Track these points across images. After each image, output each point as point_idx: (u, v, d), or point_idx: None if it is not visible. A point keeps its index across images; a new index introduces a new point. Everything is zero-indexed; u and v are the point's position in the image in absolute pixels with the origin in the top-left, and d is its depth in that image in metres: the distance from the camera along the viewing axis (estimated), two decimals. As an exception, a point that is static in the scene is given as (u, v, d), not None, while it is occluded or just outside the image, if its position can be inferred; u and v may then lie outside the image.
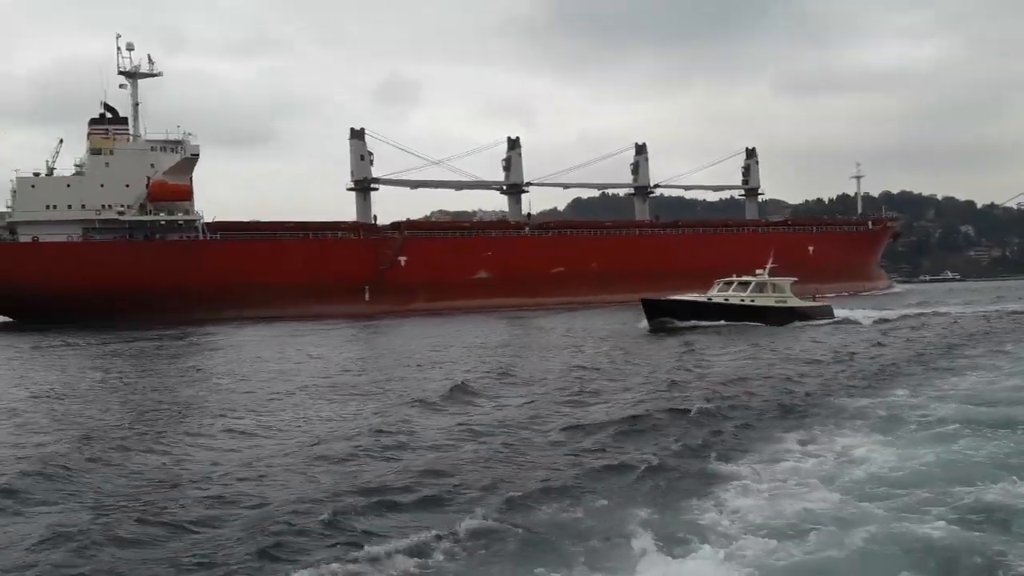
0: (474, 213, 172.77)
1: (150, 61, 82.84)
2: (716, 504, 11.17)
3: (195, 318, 68.63)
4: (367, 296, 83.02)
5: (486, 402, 20.29)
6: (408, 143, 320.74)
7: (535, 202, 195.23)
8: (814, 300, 53.15)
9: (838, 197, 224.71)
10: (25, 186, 75.91)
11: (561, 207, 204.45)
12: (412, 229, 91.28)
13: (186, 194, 78.30)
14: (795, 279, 51.77)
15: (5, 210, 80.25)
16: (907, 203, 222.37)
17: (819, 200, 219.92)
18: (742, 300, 47.32)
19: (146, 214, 77.02)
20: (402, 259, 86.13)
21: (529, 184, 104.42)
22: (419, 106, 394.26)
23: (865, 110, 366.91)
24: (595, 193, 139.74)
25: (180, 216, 77.92)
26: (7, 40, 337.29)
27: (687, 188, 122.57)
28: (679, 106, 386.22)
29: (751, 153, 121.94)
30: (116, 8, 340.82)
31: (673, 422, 16.73)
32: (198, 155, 79.27)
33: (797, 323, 46.30)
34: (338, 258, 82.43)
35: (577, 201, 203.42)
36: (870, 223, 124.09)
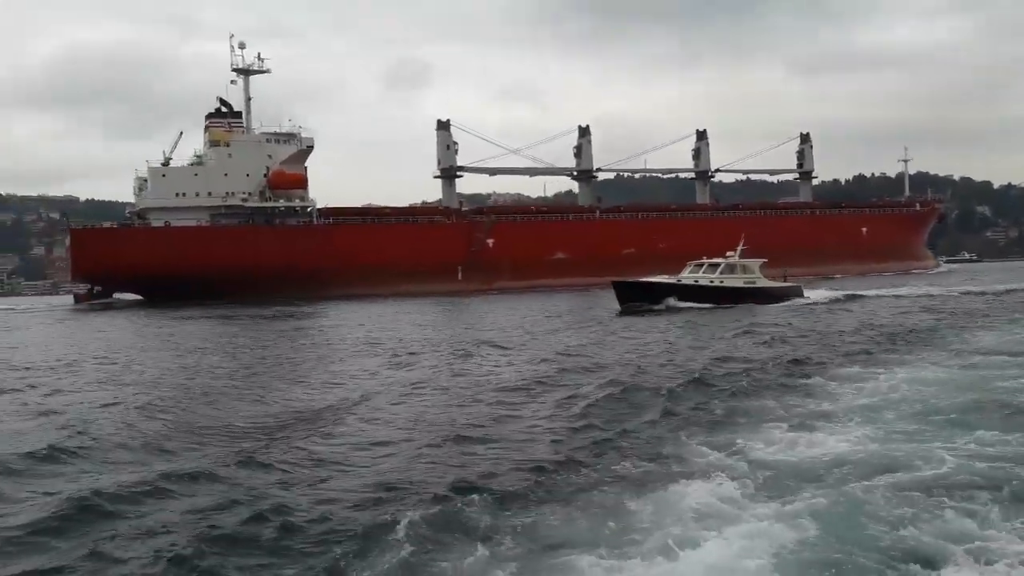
0: (488, 196, 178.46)
1: (259, 59, 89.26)
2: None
3: (312, 296, 75.02)
4: (460, 275, 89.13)
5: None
6: (421, 125, 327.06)
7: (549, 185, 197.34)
8: (784, 281, 52.56)
9: (854, 178, 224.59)
10: (156, 175, 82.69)
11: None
12: (495, 213, 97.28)
13: (302, 182, 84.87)
14: (764, 260, 51.22)
15: (133, 200, 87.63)
16: (922, 184, 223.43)
17: (835, 181, 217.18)
18: (711, 281, 47.65)
19: (266, 201, 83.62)
20: (490, 241, 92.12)
21: (599, 170, 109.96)
22: (431, 89, 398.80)
23: (879, 90, 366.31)
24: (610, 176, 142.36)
25: (297, 203, 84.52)
26: (22, 27, 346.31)
27: (745, 172, 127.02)
28: (691, 87, 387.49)
29: (805, 138, 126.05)
30: None
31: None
32: (312, 146, 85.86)
33: (766, 303, 45.96)
34: (435, 241, 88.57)
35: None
36: (918, 205, 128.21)
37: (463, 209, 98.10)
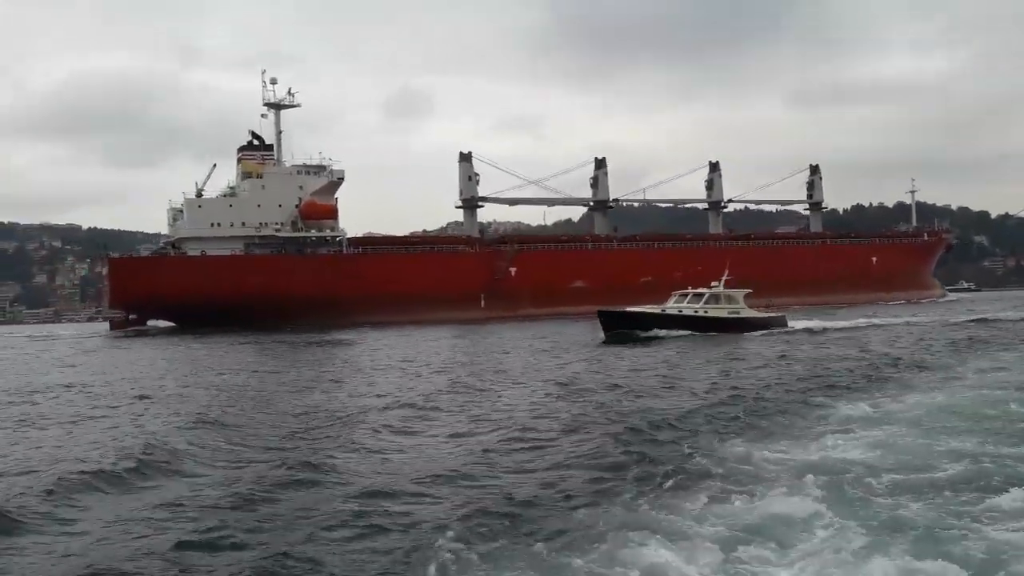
0: (489, 224, 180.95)
1: (290, 93, 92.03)
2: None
3: (342, 323, 77.02)
4: (483, 303, 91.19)
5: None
6: (420, 154, 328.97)
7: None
8: (768, 311, 52.96)
9: (852, 207, 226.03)
10: (193, 206, 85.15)
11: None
12: (517, 243, 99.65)
13: (332, 213, 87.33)
14: (749, 291, 51.72)
15: (166, 231, 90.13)
16: (921, 213, 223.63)
17: (833, 211, 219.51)
18: (695, 311, 47.66)
19: (298, 231, 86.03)
20: (512, 270, 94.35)
21: (616, 200, 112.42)
22: (431, 119, 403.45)
23: (877, 121, 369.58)
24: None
25: (328, 232, 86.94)
26: (24, 55, 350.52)
27: (756, 203, 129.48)
28: (690, 118, 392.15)
29: (815, 170, 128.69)
30: (131, 25, 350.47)
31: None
32: (343, 178, 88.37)
33: (749, 332, 46.27)
34: (460, 269, 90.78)
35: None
36: (926, 235, 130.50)
37: (485, 238, 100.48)
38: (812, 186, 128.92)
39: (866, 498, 10.82)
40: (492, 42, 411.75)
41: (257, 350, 46.59)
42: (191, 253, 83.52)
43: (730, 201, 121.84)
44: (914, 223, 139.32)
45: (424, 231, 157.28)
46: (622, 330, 45.94)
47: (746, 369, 27.97)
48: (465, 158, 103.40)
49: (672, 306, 48.68)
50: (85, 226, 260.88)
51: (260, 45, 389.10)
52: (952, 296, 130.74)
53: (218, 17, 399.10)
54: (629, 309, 48.44)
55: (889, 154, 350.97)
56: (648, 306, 48.93)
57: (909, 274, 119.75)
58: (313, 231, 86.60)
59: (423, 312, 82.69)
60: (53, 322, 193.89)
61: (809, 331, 48.05)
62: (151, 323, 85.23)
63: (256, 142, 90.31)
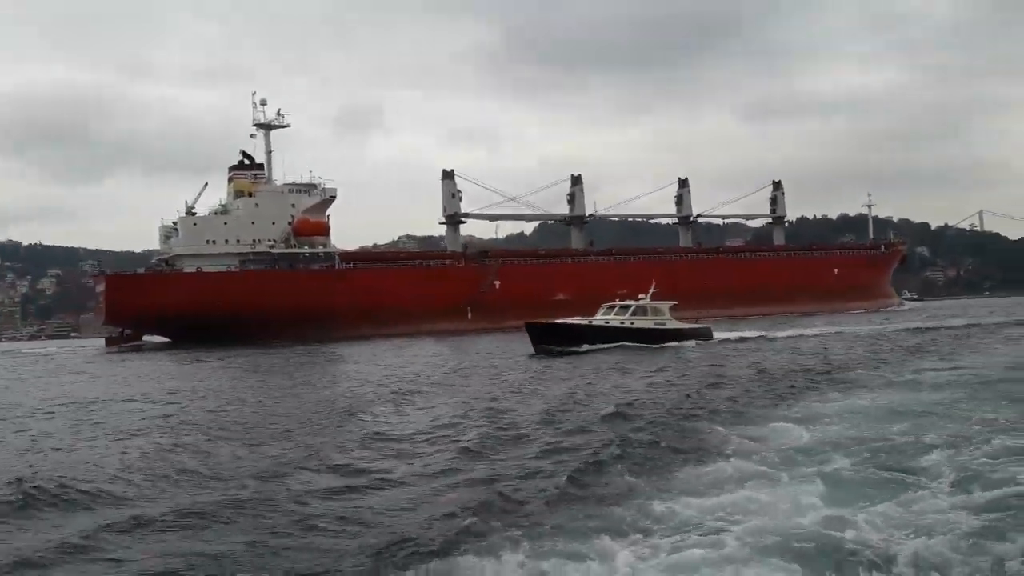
0: (442, 238, 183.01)
1: (279, 114, 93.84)
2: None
3: (334, 336, 78.87)
4: (469, 315, 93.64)
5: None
6: (373, 168, 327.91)
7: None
8: (696, 323, 54.11)
9: (798, 220, 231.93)
10: (188, 224, 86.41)
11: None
12: (500, 257, 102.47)
13: (324, 229, 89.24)
14: (674, 302, 52.49)
15: (159, 247, 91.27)
16: (865, 225, 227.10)
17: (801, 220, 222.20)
18: (621, 323, 48.15)
19: (291, 247, 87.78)
20: (496, 283, 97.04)
21: (592, 216, 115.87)
22: (381, 133, 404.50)
23: (823, 134, 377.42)
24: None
25: (320, 248, 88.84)
26: None
27: (724, 218, 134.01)
28: (639, 132, 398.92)
29: (778, 185, 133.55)
30: (76, 37, 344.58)
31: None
32: (335, 196, 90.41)
33: (673, 343, 47.17)
34: (447, 283, 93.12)
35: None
36: (883, 247, 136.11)
37: (468, 253, 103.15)
38: (775, 201, 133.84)
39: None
40: (443, 58, 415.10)
41: (280, 363, 48.49)
42: (187, 270, 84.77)
43: (699, 216, 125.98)
44: (871, 235, 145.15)
45: (375, 245, 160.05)
46: (549, 343, 45.95)
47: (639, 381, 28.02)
48: (448, 176, 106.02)
49: (599, 318, 49.27)
50: (25, 242, 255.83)
51: (210, 59, 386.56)
52: (908, 305, 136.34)
53: (167, 31, 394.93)
54: (556, 321, 48.98)
55: (834, 166, 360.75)
56: (576, 318, 49.47)
57: (868, 284, 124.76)
58: (306, 247, 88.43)
59: (413, 324, 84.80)
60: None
61: (729, 341, 49.62)
62: (146, 339, 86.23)
63: (247, 161, 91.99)
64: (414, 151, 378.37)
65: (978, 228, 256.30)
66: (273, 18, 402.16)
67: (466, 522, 10.49)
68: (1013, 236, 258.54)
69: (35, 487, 13.07)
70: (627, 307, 49.20)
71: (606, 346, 45.51)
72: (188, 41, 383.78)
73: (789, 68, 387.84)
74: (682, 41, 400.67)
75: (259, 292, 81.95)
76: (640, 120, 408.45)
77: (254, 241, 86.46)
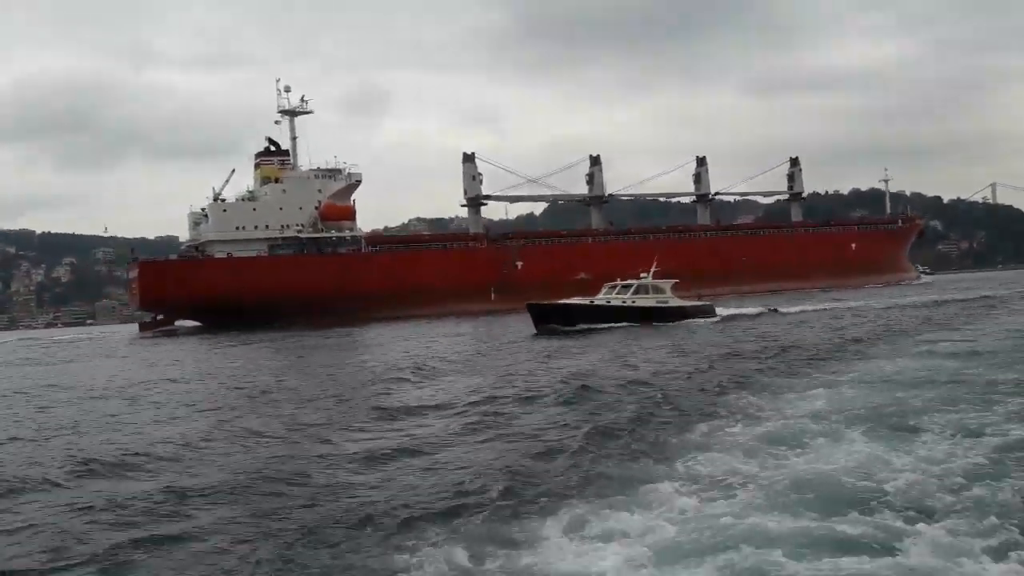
0: (451, 220, 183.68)
1: (303, 101, 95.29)
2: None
3: (362, 318, 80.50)
4: (493, 296, 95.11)
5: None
6: (383, 149, 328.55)
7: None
8: (698, 300, 53.81)
9: (810, 195, 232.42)
10: (217, 211, 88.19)
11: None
12: (521, 238, 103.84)
13: (351, 214, 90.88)
14: (676, 280, 52.73)
15: (189, 234, 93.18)
16: (877, 199, 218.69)
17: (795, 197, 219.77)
18: (623, 302, 48.01)
19: (318, 232, 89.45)
20: (519, 264, 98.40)
21: (611, 196, 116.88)
22: (390, 116, 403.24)
23: (832, 109, 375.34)
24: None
25: (347, 233, 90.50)
26: None
27: (742, 195, 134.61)
28: (648, 109, 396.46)
29: (795, 162, 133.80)
30: (82, 25, 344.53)
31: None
32: (360, 180, 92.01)
33: (676, 321, 46.99)
34: (471, 265, 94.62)
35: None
36: (900, 221, 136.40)
37: (490, 234, 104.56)
38: (792, 178, 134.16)
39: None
40: (451, 39, 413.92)
41: (302, 345, 49.75)
42: (217, 255, 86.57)
43: (717, 194, 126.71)
44: (888, 210, 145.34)
45: (385, 228, 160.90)
46: (552, 323, 46.03)
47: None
48: (469, 159, 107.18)
49: (601, 297, 49.41)
50: (38, 231, 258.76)
51: (216, 45, 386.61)
52: (926, 279, 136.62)
53: (172, 17, 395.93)
54: (558, 302, 48.73)
55: (844, 141, 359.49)
56: (577, 298, 49.48)
57: (886, 259, 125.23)
58: (333, 231, 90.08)
59: (438, 305, 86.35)
60: (8, 329, 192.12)
61: (733, 318, 49.27)
62: (179, 323, 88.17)
63: (272, 148, 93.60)
64: (421, 133, 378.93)
65: (991, 201, 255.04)
66: (279, 3, 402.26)
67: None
68: None
69: (143, 453, 14.83)
70: (628, 286, 49.20)
71: (607, 326, 45.13)
72: (190, 27, 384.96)
73: (797, 42, 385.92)
74: (690, 16, 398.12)
75: (288, 276, 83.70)
76: (647, 97, 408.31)
77: (282, 226, 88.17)
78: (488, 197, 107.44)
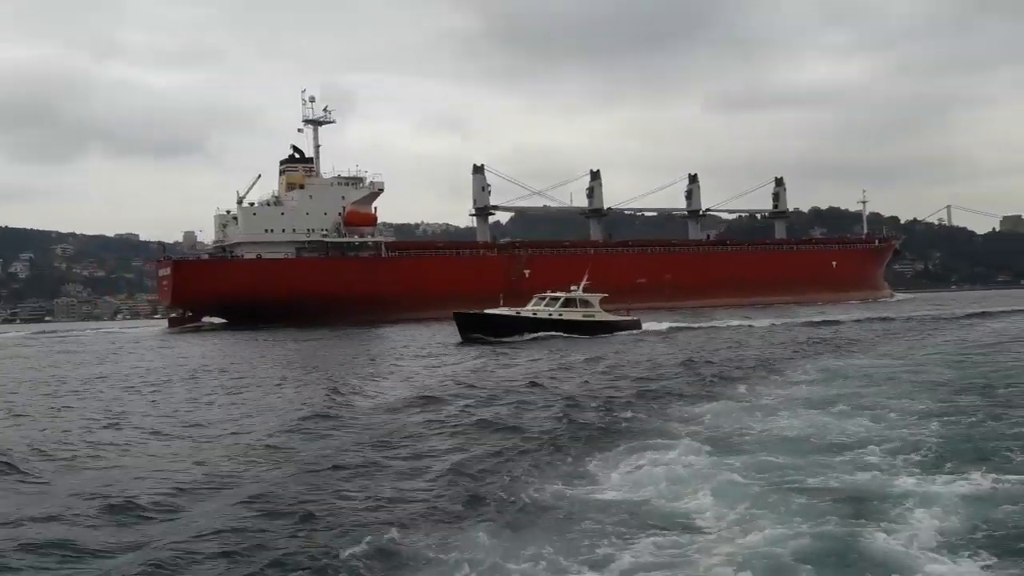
0: (417, 226, 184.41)
1: (326, 111, 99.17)
2: None
3: (381, 319, 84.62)
4: (502, 302, 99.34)
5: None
6: (348, 154, 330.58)
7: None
8: (627, 315, 54.30)
9: (771, 213, 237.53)
10: (248, 214, 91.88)
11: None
12: (527, 247, 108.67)
13: (373, 220, 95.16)
14: (605, 295, 53.20)
15: (214, 236, 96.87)
16: (835, 218, 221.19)
17: (752, 216, 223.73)
18: (549, 314, 48.44)
19: (342, 237, 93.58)
20: (527, 272, 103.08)
21: (609, 209, 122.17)
22: (355, 119, 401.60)
23: (794, 126, 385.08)
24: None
25: (369, 238, 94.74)
26: None
27: (731, 212, 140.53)
28: (614, 120, 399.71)
29: (779, 182, 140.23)
30: (41, 16, 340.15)
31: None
32: (383, 189, 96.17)
33: (602, 334, 47.27)
34: (482, 272, 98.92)
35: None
36: (877, 241, 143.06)
37: (499, 243, 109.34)
38: (777, 196, 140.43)
39: None
40: (419, 43, 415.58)
41: (328, 341, 53.52)
42: (246, 256, 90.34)
43: (708, 211, 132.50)
44: (865, 230, 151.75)
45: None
46: (477, 332, 46.27)
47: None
48: (478, 170, 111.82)
49: (528, 309, 49.95)
50: None
51: (180, 41, 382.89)
52: (899, 296, 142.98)
53: (134, 11, 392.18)
54: (485, 311, 49.34)
55: (805, 158, 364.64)
56: (505, 308, 50.04)
57: (864, 277, 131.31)
58: (355, 237, 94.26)
59: (449, 309, 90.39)
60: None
61: (659, 333, 49.74)
62: (206, 320, 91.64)
63: (297, 155, 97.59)
64: (385, 136, 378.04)
65: (946, 223, 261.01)
66: (246, 1, 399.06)
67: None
68: (980, 231, 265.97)
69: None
70: (557, 298, 49.92)
71: (532, 336, 45.55)
72: (155, 22, 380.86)
73: (762, 59, 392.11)
74: (656, 30, 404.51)
75: (313, 278, 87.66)
76: (613, 109, 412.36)
77: (308, 230, 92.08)
78: (496, 207, 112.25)
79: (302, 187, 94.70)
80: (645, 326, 53.32)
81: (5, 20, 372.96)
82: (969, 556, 8.39)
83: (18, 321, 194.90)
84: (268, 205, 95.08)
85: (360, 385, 25.22)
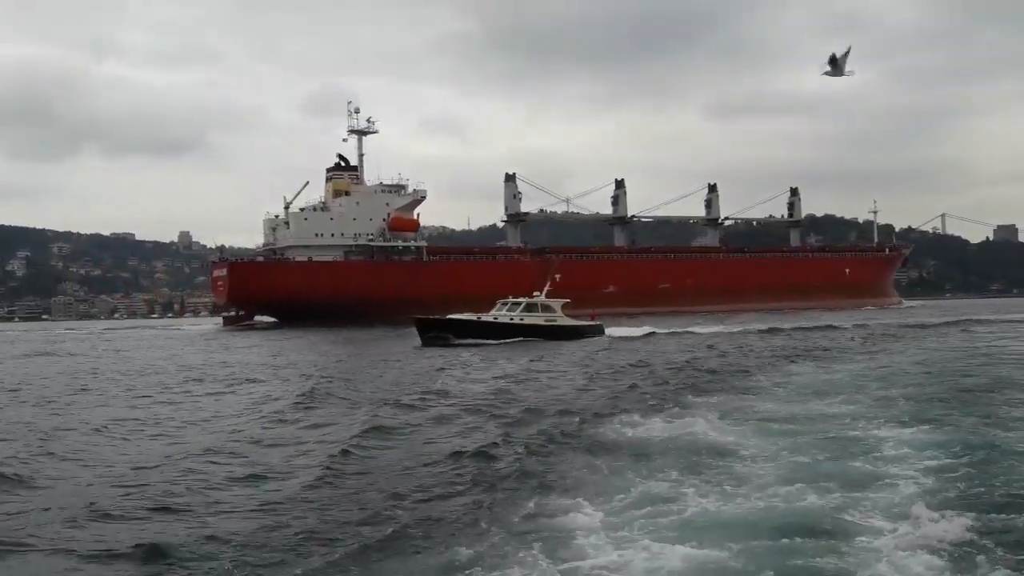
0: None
1: (369, 121, 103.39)
2: None
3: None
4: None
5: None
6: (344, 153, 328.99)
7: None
8: (591, 320, 53.99)
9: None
10: (299, 219, 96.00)
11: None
12: (556, 252, 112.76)
13: (415, 226, 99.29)
14: (567, 300, 53.13)
15: (264, 239, 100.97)
16: (830, 225, 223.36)
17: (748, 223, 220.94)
18: (511, 319, 48.00)
19: (387, 241, 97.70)
20: (558, 276, 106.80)
21: (633, 217, 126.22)
22: (353, 121, 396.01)
23: (792, 133, 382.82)
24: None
25: (412, 243, 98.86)
26: None
27: (757, 221, 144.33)
28: (611, 126, 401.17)
29: (795, 192, 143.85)
30: (44, 13, 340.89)
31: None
32: (425, 196, 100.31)
33: (564, 340, 46.10)
34: (517, 276, 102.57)
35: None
36: (887, 250, 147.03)
37: (531, 248, 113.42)
38: (792, 206, 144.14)
39: None
40: (418, 47, 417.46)
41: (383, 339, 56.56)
42: (297, 259, 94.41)
43: (727, 219, 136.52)
44: (875, 239, 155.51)
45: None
46: (436, 336, 45.84)
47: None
48: (510, 179, 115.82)
49: (490, 314, 49.25)
50: None
51: (176, 40, 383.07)
52: (907, 304, 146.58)
53: (133, 11, 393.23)
54: (447, 316, 48.59)
55: (804, 165, 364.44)
56: (467, 314, 49.26)
57: (876, 284, 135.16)
58: (399, 241, 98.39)
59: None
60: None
61: (623, 339, 48.77)
62: (257, 319, 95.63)
63: (342, 163, 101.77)
64: (385, 139, 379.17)
65: (940, 231, 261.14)
66: (247, 2, 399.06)
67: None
68: (974, 240, 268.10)
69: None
70: (518, 304, 49.48)
71: (497, 342, 44.85)
72: (154, 21, 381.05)
73: (759, 66, 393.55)
74: (656, 37, 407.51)
75: (360, 280, 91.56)
76: (611, 115, 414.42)
77: (355, 235, 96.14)
78: (527, 215, 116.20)
79: (347, 193, 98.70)
80: (642, 329, 53.23)
81: (4, 18, 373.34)
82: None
83: (16, 319, 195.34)
84: (316, 210, 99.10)
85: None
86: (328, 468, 13.20)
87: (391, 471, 13.29)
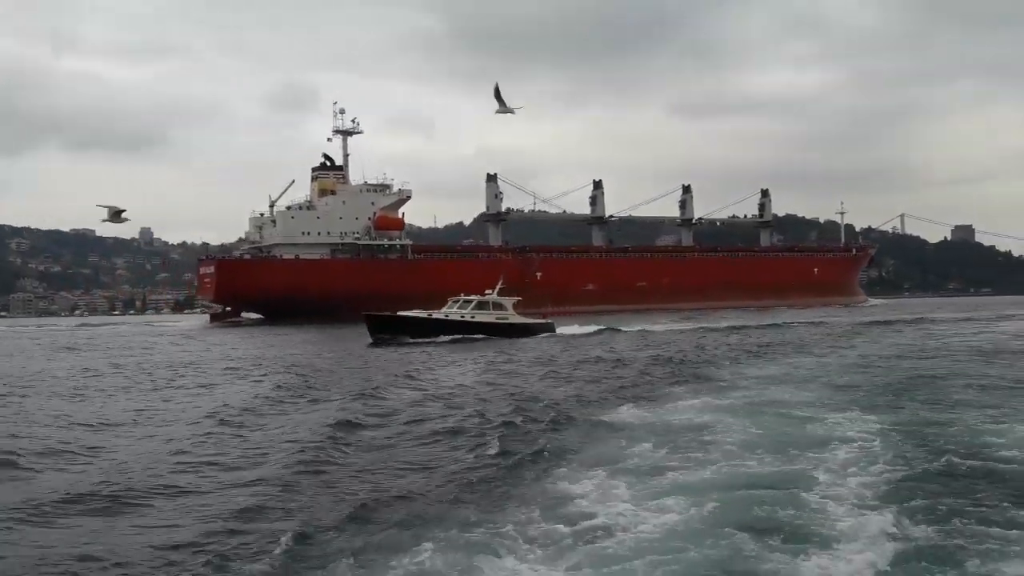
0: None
1: (354, 122, 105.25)
2: None
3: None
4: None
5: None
6: (311, 150, 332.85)
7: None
8: (544, 318, 54.59)
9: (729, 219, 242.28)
10: (286, 217, 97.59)
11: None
12: (537, 251, 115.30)
13: (400, 225, 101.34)
14: (518, 299, 53.40)
15: (248, 236, 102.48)
16: (791, 225, 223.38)
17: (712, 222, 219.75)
18: (462, 316, 48.12)
19: (372, 240, 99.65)
20: (539, 274, 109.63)
21: (611, 217, 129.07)
22: (317, 117, 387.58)
23: (753, 134, 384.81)
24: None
25: (396, 242, 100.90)
26: None
27: (722, 221, 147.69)
28: (576, 124, 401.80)
29: (765, 193, 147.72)
30: (5, 9, 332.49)
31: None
32: (410, 196, 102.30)
33: (516, 337, 46.60)
34: (498, 273, 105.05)
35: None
36: (854, 250, 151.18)
37: (512, 246, 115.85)
38: (763, 208, 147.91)
39: None
40: (384, 43, 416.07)
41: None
42: (284, 256, 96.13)
43: (700, 219, 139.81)
44: (843, 239, 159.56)
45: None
46: (388, 334, 45.88)
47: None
48: (491, 179, 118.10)
49: (441, 312, 49.43)
50: None
51: (138, 35, 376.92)
52: (873, 302, 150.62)
53: (97, 5, 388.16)
54: (398, 313, 48.82)
55: (765, 165, 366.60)
56: (417, 311, 49.57)
57: (842, 283, 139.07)
58: (384, 240, 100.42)
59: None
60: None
61: (573, 336, 49.54)
62: (244, 315, 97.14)
63: (328, 163, 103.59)
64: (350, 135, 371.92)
65: (900, 231, 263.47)
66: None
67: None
68: (932, 239, 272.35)
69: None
70: (469, 301, 49.61)
71: (449, 339, 45.35)
72: (116, 15, 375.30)
73: (725, 66, 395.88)
74: (621, 35, 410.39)
75: (346, 278, 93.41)
76: (576, 112, 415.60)
77: (341, 233, 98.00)
78: (508, 213, 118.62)
79: (333, 193, 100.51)
80: (593, 327, 53.98)
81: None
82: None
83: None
84: (303, 209, 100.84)
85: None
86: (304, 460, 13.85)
87: (368, 462, 14.09)
